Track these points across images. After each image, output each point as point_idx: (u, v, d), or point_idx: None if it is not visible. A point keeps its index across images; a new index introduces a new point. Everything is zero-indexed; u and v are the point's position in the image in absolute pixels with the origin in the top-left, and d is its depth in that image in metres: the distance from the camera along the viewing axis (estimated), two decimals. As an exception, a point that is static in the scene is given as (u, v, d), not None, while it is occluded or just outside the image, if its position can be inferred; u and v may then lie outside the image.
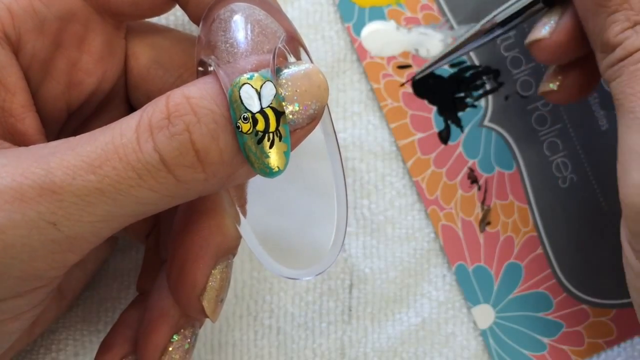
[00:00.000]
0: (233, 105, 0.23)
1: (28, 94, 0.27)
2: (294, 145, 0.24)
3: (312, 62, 0.26)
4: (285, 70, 0.24)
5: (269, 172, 0.24)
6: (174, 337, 0.28)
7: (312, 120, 0.24)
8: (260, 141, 0.23)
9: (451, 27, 0.37)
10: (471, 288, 0.36)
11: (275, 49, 0.24)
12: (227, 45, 0.24)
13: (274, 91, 0.23)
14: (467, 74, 0.37)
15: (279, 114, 0.23)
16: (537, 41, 0.31)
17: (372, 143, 0.37)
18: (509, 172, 0.37)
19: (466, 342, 0.36)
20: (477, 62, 0.37)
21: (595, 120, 0.37)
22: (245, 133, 0.23)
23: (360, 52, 0.37)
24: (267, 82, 0.23)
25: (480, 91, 0.37)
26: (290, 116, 0.24)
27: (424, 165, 0.37)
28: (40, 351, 0.35)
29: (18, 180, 0.22)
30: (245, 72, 0.23)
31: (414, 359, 0.36)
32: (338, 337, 0.36)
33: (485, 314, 0.36)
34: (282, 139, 0.23)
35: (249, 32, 0.24)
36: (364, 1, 0.37)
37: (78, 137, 0.24)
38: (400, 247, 0.36)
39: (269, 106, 0.23)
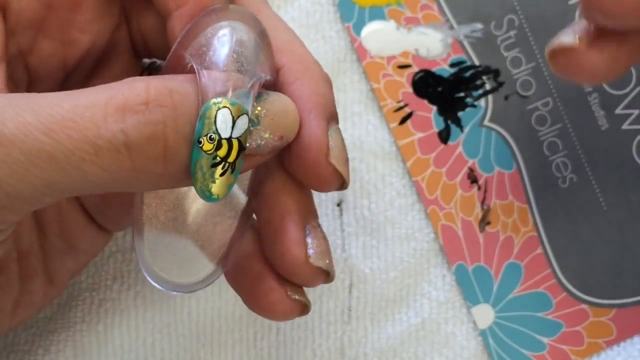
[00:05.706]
0: (204, 120, 0.23)
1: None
2: (245, 169, 0.24)
3: None
4: (264, 97, 0.24)
5: (207, 196, 0.24)
6: (306, 230, 0.27)
7: (275, 150, 0.25)
8: (214, 165, 0.23)
9: (451, 27, 0.37)
10: (471, 288, 0.36)
11: (258, 76, 0.24)
12: (211, 59, 0.24)
13: (247, 125, 0.23)
14: (467, 74, 0.37)
15: (242, 149, 0.23)
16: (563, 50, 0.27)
17: (372, 143, 0.37)
18: (509, 172, 0.37)
19: (466, 342, 0.36)
20: (477, 62, 0.37)
21: (595, 120, 0.37)
22: (205, 151, 0.23)
23: (360, 52, 0.37)
24: (244, 115, 0.23)
25: (480, 91, 0.37)
26: (258, 141, 0.24)
27: (423, 165, 0.37)
28: (39, 352, 0.35)
29: None
30: (228, 88, 0.23)
31: (413, 359, 0.36)
32: (338, 337, 0.36)
33: (485, 314, 0.36)
34: (234, 171, 0.23)
35: (235, 51, 0.25)
36: (364, 1, 0.37)
37: (41, 95, 0.23)
38: (400, 247, 0.36)
39: (237, 137, 0.23)
